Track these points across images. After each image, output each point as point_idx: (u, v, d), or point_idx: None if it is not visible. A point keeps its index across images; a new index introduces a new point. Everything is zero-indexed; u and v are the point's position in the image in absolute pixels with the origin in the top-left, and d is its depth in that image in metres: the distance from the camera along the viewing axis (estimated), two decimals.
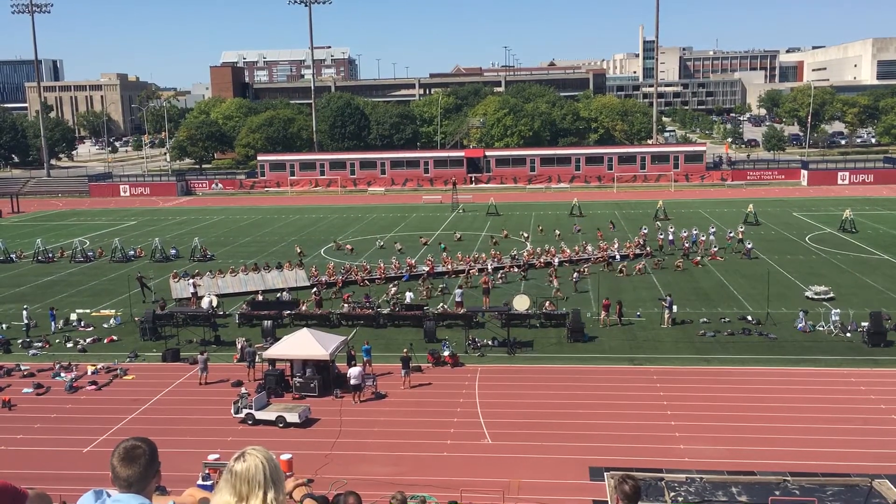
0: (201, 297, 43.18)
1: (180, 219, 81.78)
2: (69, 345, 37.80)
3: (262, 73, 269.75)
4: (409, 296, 42.30)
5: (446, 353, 33.93)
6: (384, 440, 26.19)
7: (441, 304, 41.50)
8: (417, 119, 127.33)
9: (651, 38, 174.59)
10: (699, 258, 52.88)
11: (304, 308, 40.98)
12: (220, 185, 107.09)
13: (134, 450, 4.01)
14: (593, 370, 32.69)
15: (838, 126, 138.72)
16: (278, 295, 44.44)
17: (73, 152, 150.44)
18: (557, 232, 63.67)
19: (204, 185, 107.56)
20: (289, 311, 40.43)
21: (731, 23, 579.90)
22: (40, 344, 37.85)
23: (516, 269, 50.33)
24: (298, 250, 58.65)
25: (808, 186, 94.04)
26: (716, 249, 54.59)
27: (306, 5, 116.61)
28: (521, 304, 37.82)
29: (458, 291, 42.05)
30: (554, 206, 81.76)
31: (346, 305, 41.28)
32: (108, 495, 3.94)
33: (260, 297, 43.39)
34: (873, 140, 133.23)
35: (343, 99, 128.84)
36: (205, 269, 50.82)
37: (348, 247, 60.37)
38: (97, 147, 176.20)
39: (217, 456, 22.46)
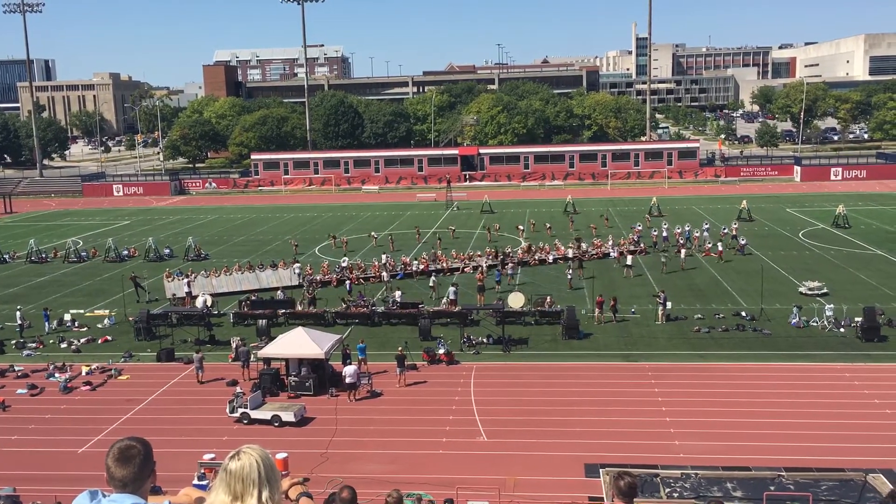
0: (195, 297, 43.15)
1: (174, 218, 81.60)
2: (63, 345, 37.71)
3: (256, 72, 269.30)
4: (398, 294, 42.24)
5: (441, 351, 33.92)
6: (380, 438, 26.19)
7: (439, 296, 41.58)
8: (411, 117, 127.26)
9: (644, 36, 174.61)
10: (710, 247, 53.55)
11: (300, 308, 40.98)
12: (213, 185, 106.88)
13: (129, 450, 4.01)
14: (588, 367, 32.74)
15: (831, 122, 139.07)
16: (279, 293, 44.42)
17: (66, 152, 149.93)
18: (548, 225, 63.98)
19: (198, 184, 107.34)
20: (284, 311, 40.38)
21: (723, 19, 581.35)
22: (34, 345, 37.74)
23: (511, 266, 50.25)
24: (294, 244, 59.29)
25: (801, 182, 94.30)
26: (710, 246, 54.67)
27: (299, 4, 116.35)
28: (515, 301, 37.85)
29: (451, 289, 42.04)
30: (548, 203, 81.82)
31: (343, 304, 41.23)
32: (104, 496, 3.94)
33: (254, 297, 43.25)
34: (866, 136, 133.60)
35: (336, 97, 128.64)
36: (199, 269, 50.72)
37: (344, 239, 60.74)
38: (90, 147, 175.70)
39: (212, 455, 22.43)
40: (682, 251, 51.29)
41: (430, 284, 44.91)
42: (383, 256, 52.33)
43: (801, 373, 31.27)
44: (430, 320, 37.78)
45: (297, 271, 48.28)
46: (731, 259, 51.71)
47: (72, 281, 52.27)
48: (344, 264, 48.99)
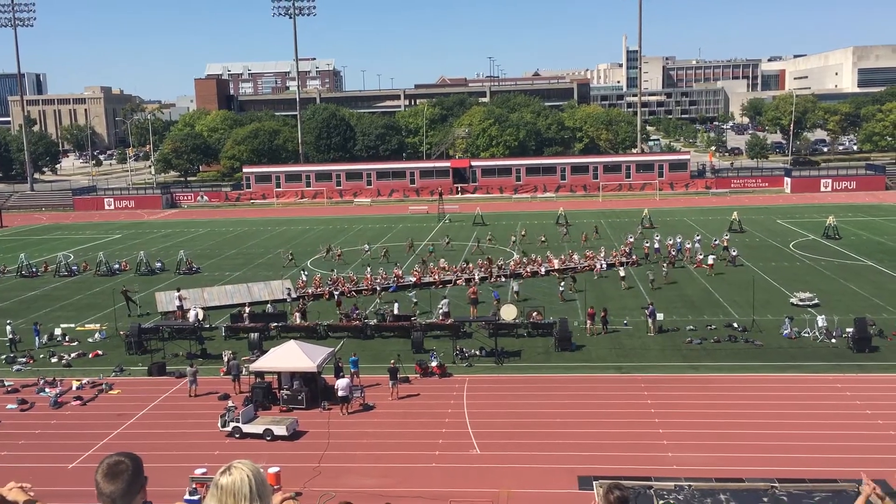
0: (187, 311, 42.97)
1: (165, 232, 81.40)
2: (54, 360, 37.48)
3: (247, 86, 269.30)
4: (395, 305, 42.26)
5: (434, 364, 33.87)
6: (372, 452, 26.07)
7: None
8: (403, 130, 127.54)
9: (634, 48, 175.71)
10: (701, 258, 53.72)
11: (298, 319, 40.87)
12: (205, 198, 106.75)
13: (117, 465, 3.99)
14: (581, 379, 32.72)
15: (820, 134, 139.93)
16: (269, 307, 44.28)
17: (57, 166, 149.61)
18: (542, 238, 63.96)
19: (189, 197, 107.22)
20: (276, 324, 40.26)
21: (713, 32, 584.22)
22: (24, 359, 37.51)
23: (504, 279, 50.31)
24: (290, 256, 59.55)
25: (791, 194, 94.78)
26: (701, 257, 54.83)
27: (291, 17, 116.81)
28: (508, 313, 37.84)
29: (444, 301, 41.98)
30: (540, 215, 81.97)
31: (340, 315, 41.19)
32: None
33: (248, 310, 43.05)
34: (855, 147, 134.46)
35: (328, 110, 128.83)
36: (191, 283, 50.54)
37: (338, 252, 60.72)
38: (81, 160, 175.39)
39: (204, 470, 22.31)
40: (665, 266, 51.00)
41: (414, 300, 44.70)
42: (372, 269, 52.29)
43: (793, 384, 31.31)
44: (423, 333, 37.73)
45: (286, 287, 48.03)
46: (723, 272, 51.77)
47: (62, 295, 52.02)
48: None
